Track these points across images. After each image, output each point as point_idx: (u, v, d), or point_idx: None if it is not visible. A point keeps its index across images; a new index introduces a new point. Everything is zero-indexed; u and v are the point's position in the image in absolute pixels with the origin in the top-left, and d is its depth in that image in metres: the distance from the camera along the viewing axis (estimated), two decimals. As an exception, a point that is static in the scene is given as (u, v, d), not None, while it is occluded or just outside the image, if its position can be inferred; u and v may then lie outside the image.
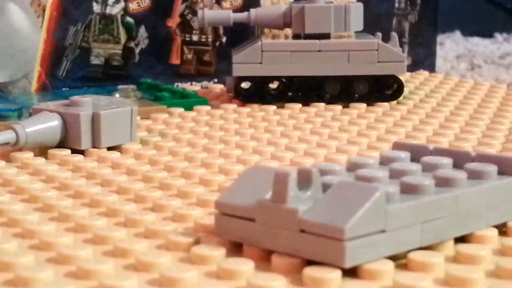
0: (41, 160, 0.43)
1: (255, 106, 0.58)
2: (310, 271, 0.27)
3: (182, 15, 0.68)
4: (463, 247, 0.30)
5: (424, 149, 0.35)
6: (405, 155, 0.34)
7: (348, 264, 0.27)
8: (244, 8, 0.66)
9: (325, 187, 0.29)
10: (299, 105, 0.58)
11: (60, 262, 0.29)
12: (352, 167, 0.33)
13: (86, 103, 0.46)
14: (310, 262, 0.28)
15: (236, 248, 0.30)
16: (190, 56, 0.68)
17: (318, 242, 0.27)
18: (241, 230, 0.29)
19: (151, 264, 0.28)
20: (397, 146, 0.36)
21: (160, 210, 0.35)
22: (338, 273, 0.27)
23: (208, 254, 0.29)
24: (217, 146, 0.46)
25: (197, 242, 0.30)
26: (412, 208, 0.29)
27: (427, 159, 0.33)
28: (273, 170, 0.29)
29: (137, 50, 0.67)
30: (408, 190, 0.30)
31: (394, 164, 0.33)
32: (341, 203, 0.28)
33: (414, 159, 0.34)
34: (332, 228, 0.27)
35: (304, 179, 0.29)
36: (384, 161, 0.34)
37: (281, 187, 0.28)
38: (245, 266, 0.28)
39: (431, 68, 0.77)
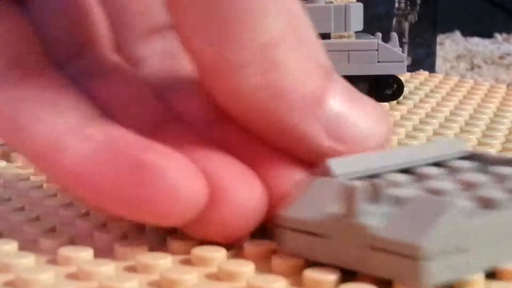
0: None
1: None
2: (310, 273, 0.27)
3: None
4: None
5: (488, 157, 0.33)
6: (471, 164, 0.32)
7: (424, 284, 0.25)
8: (244, 8, 0.66)
9: (394, 200, 0.28)
10: (299, 105, 0.58)
11: (61, 264, 0.29)
12: (417, 177, 0.31)
13: (86, 104, 0.46)
14: (311, 264, 0.28)
15: (237, 249, 0.30)
16: (190, 56, 0.68)
17: (391, 260, 0.26)
18: (306, 246, 0.28)
19: (152, 266, 0.28)
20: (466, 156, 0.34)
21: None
22: (338, 275, 0.27)
23: (208, 255, 0.29)
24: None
25: (197, 243, 0.30)
26: (491, 224, 0.27)
27: (495, 169, 0.31)
28: (338, 182, 0.28)
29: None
30: (484, 204, 0.28)
31: (463, 175, 0.31)
32: (415, 218, 0.26)
33: (481, 168, 0.32)
34: (407, 246, 0.25)
35: (373, 192, 0.27)
36: (450, 171, 0.32)
37: (350, 201, 0.27)
38: (245, 267, 0.28)
39: (431, 68, 0.77)
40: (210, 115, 0.31)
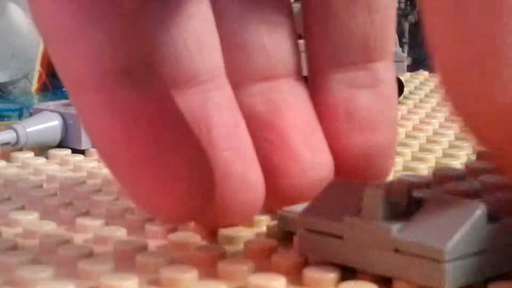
0: (41, 160, 0.43)
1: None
2: (310, 271, 0.27)
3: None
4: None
5: None
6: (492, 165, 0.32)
7: (448, 287, 0.25)
8: (244, 8, 0.66)
9: (417, 202, 0.27)
10: (299, 105, 0.58)
11: (60, 263, 0.29)
12: (439, 179, 0.31)
13: (86, 103, 0.46)
14: (310, 262, 0.28)
15: (236, 249, 0.30)
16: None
17: (414, 263, 0.26)
18: (327, 248, 0.28)
19: (151, 265, 0.28)
20: (482, 155, 0.34)
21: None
22: (337, 273, 0.27)
23: (208, 255, 0.29)
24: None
25: (197, 243, 0.30)
26: None
27: None
28: (358, 183, 0.28)
29: (137, 50, 0.67)
30: (504, 206, 0.28)
31: (484, 177, 0.30)
32: (439, 220, 0.26)
33: None
34: (431, 249, 0.25)
35: (396, 194, 0.27)
36: (472, 173, 0.32)
37: (372, 202, 0.26)
38: (245, 266, 0.28)
39: (431, 68, 0.77)
40: None
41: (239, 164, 0.29)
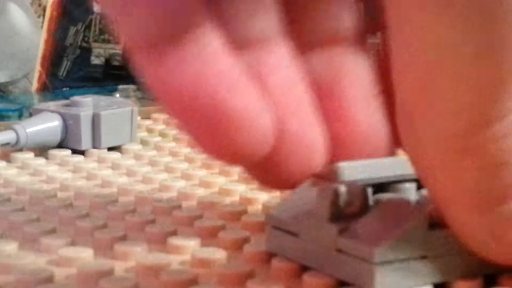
0: (41, 161, 0.43)
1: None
2: (308, 277, 0.27)
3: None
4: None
5: None
6: None
7: None
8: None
9: (376, 203, 0.27)
10: (299, 105, 0.57)
11: (61, 265, 0.29)
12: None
13: (86, 104, 0.46)
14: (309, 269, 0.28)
15: (237, 251, 0.30)
16: (190, 56, 0.68)
17: (351, 264, 0.26)
18: (288, 246, 0.28)
19: (152, 268, 0.28)
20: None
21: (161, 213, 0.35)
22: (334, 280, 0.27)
23: (208, 257, 0.29)
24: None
25: (197, 245, 0.30)
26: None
27: None
28: (324, 184, 0.28)
29: (138, 50, 0.67)
30: None
31: None
32: (380, 223, 0.26)
33: None
34: (363, 250, 0.25)
35: (354, 195, 0.27)
36: None
37: (324, 202, 0.27)
38: (244, 269, 0.28)
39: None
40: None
41: (295, 122, 0.29)
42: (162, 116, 0.54)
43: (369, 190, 0.28)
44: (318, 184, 0.28)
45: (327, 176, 0.29)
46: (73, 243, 0.31)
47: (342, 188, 0.27)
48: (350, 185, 0.27)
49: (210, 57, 0.26)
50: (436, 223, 0.26)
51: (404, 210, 0.26)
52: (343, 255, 0.26)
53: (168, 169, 0.42)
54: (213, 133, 0.26)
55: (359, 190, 0.27)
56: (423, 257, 0.26)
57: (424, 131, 0.24)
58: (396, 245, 0.25)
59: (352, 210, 0.27)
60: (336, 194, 0.27)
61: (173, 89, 0.26)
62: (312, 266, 0.27)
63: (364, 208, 0.27)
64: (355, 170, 0.29)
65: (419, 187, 0.29)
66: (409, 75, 0.24)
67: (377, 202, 0.27)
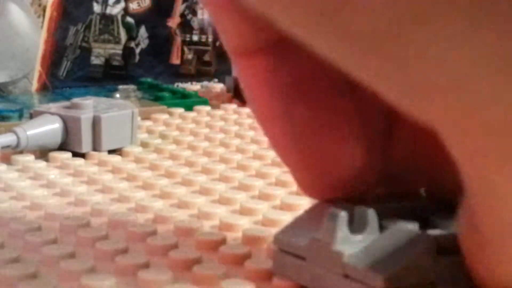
0: (41, 164, 0.43)
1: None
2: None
3: (182, 15, 0.68)
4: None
5: None
6: None
7: None
8: (244, 7, 0.66)
9: (381, 228, 0.27)
10: (299, 106, 0.57)
11: (61, 271, 0.29)
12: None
13: (87, 106, 0.46)
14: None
15: (238, 266, 0.30)
16: (190, 56, 0.68)
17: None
18: (294, 269, 0.28)
19: (152, 281, 0.28)
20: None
21: (162, 222, 0.35)
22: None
23: (209, 273, 0.29)
24: (217, 150, 0.46)
25: (199, 260, 0.30)
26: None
27: None
28: (329, 207, 0.28)
29: (137, 50, 0.67)
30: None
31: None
32: (389, 249, 0.26)
33: None
34: (370, 277, 0.25)
35: (360, 220, 0.27)
36: None
37: (331, 226, 0.27)
38: (245, 286, 0.28)
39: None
40: None
41: None
42: (162, 117, 0.54)
43: (375, 215, 0.27)
44: (329, 207, 0.28)
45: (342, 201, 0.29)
46: (74, 252, 0.31)
47: (351, 213, 0.27)
48: (359, 210, 0.27)
49: None
50: (444, 249, 0.26)
51: (411, 236, 0.26)
52: (350, 281, 0.26)
53: (169, 174, 0.42)
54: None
55: (368, 216, 0.27)
56: (432, 284, 0.26)
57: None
58: (404, 273, 0.25)
59: (360, 235, 0.27)
60: (345, 218, 0.27)
61: None
62: None
63: (373, 234, 0.27)
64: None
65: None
66: (494, 220, 0.24)
67: (384, 227, 0.27)
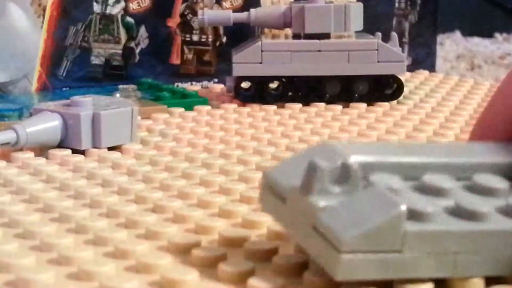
0: (41, 160, 0.43)
1: (255, 106, 0.58)
2: (310, 275, 0.27)
3: (182, 15, 0.67)
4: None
5: None
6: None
7: (340, 277, 0.25)
8: (244, 8, 0.66)
9: (364, 186, 0.27)
10: (299, 105, 0.58)
11: (61, 263, 0.29)
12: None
13: (86, 103, 0.46)
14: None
15: (236, 250, 0.30)
16: (190, 56, 0.68)
17: (321, 245, 0.26)
18: (276, 209, 0.28)
19: (152, 266, 0.28)
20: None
21: (161, 212, 0.35)
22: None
23: (208, 256, 0.29)
24: (218, 146, 0.46)
25: (198, 244, 0.30)
26: (436, 235, 0.26)
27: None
28: (335, 149, 0.27)
29: (137, 50, 0.67)
30: (462, 213, 0.27)
31: (477, 177, 0.29)
32: (359, 211, 0.26)
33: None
34: (333, 235, 0.25)
35: (344, 174, 0.27)
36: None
37: (310, 177, 0.26)
38: (245, 267, 0.28)
39: (431, 68, 0.76)
40: None
41: None
42: (162, 116, 0.54)
43: (358, 171, 0.27)
44: (324, 152, 0.28)
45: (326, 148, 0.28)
46: (73, 243, 0.31)
47: (332, 166, 0.27)
48: (344, 163, 0.27)
49: None
50: (416, 219, 0.26)
51: (385, 201, 0.26)
52: (318, 235, 0.26)
53: (168, 169, 0.42)
54: None
55: (351, 170, 0.27)
56: (397, 251, 0.26)
57: None
58: (369, 236, 0.25)
59: (339, 188, 0.27)
60: (325, 170, 0.26)
61: None
62: (292, 237, 0.27)
63: (353, 189, 0.27)
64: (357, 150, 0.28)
65: None
66: None
67: (365, 186, 0.27)
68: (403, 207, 0.25)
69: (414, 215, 0.26)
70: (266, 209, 0.29)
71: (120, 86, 0.60)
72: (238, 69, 0.58)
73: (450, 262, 0.26)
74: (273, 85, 0.60)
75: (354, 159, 0.27)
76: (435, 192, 0.28)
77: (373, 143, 0.29)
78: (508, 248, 0.27)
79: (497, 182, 0.29)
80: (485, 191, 0.28)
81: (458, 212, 0.27)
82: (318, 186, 0.26)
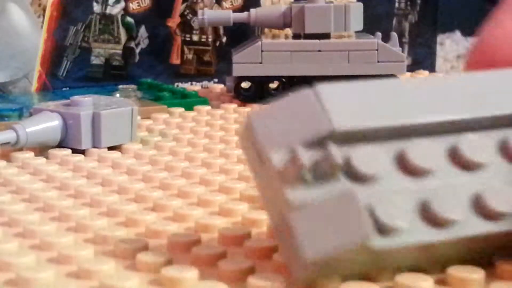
0: (41, 160, 0.43)
1: (255, 106, 0.58)
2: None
3: (182, 15, 0.68)
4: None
5: None
6: None
7: (301, 283, 0.26)
8: (244, 8, 0.67)
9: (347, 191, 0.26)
10: (299, 105, 0.58)
11: (61, 262, 0.29)
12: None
13: (86, 103, 0.46)
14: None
15: (236, 248, 0.30)
16: (190, 56, 0.69)
17: (287, 241, 0.26)
18: (252, 160, 0.27)
19: (152, 264, 0.28)
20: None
21: (161, 210, 0.35)
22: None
23: (208, 254, 0.29)
24: (218, 146, 0.46)
25: (198, 242, 0.30)
26: (405, 248, 0.26)
27: None
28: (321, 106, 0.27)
29: (137, 50, 0.67)
30: (433, 220, 0.26)
31: (465, 145, 0.27)
32: (329, 226, 0.25)
33: None
34: (298, 249, 0.25)
35: (325, 166, 0.26)
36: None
37: (289, 167, 0.26)
38: (245, 266, 0.28)
39: (431, 68, 0.76)
40: None
41: None
42: (162, 116, 0.54)
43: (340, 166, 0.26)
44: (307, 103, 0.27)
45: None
46: (73, 242, 0.31)
47: (313, 157, 0.26)
48: (325, 154, 0.26)
49: None
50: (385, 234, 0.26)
51: (355, 225, 0.25)
52: (285, 227, 0.26)
53: (168, 168, 0.42)
54: None
55: (331, 163, 0.26)
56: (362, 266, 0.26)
57: None
58: (332, 260, 0.25)
59: (318, 179, 0.26)
60: (305, 164, 0.26)
61: None
62: (262, 199, 0.27)
63: (332, 183, 0.26)
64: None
65: None
66: None
67: (354, 175, 0.26)
68: (369, 233, 0.25)
69: (383, 230, 0.25)
70: (243, 151, 0.28)
71: (120, 86, 0.60)
72: (238, 69, 0.58)
73: (423, 262, 0.27)
74: (273, 85, 0.60)
75: (340, 127, 0.26)
76: (420, 172, 0.27)
77: (365, 88, 0.27)
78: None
79: (484, 153, 0.27)
80: (471, 166, 0.27)
81: (429, 218, 0.26)
82: (296, 177, 0.26)
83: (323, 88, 0.27)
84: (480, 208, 0.26)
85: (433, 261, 0.27)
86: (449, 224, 0.26)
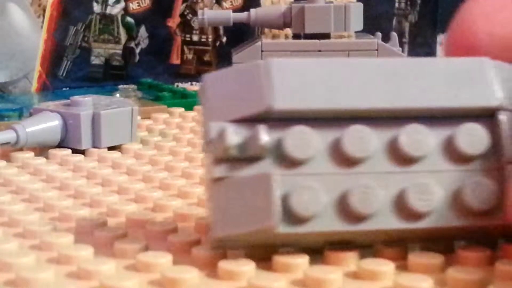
0: (41, 160, 0.43)
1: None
2: (311, 271, 0.27)
3: (182, 15, 0.68)
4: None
5: None
6: None
7: (213, 247, 0.27)
8: (244, 8, 0.67)
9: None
10: (299, 105, 0.58)
11: (61, 262, 0.29)
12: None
13: (86, 103, 0.46)
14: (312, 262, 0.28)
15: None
16: (190, 56, 0.69)
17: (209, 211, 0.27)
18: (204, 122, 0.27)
19: (152, 265, 0.28)
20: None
21: (160, 210, 0.35)
22: (339, 274, 0.27)
23: (208, 255, 0.29)
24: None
25: (198, 243, 0.30)
26: (309, 234, 0.26)
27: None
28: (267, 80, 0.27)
29: (137, 50, 0.67)
30: (347, 212, 0.27)
31: (403, 136, 0.27)
32: (241, 205, 0.26)
33: None
34: (212, 223, 0.26)
35: (252, 147, 0.26)
36: None
37: (216, 142, 0.26)
38: (246, 266, 0.28)
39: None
40: None
41: None
42: (162, 116, 0.54)
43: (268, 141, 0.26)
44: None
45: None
46: (73, 241, 0.31)
47: (241, 138, 0.26)
48: (253, 130, 0.26)
49: None
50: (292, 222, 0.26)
51: (264, 207, 0.26)
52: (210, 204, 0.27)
53: (168, 168, 0.42)
54: None
55: (257, 147, 0.26)
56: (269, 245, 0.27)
57: None
58: (239, 237, 0.26)
59: (244, 156, 0.26)
60: (232, 144, 0.26)
61: None
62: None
63: (260, 159, 0.26)
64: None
65: None
66: None
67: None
68: (276, 220, 0.25)
69: (291, 217, 0.26)
70: (201, 107, 0.28)
71: (120, 86, 0.60)
72: (238, 69, 0.58)
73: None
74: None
75: (278, 106, 0.26)
76: (351, 161, 0.26)
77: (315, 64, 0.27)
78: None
79: (423, 148, 0.27)
80: (408, 161, 0.27)
81: (344, 209, 0.26)
82: (223, 151, 0.26)
83: (276, 63, 0.27)
84: (401, 205, 0.26)
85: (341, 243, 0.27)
86: (362, 218, 0.26)
